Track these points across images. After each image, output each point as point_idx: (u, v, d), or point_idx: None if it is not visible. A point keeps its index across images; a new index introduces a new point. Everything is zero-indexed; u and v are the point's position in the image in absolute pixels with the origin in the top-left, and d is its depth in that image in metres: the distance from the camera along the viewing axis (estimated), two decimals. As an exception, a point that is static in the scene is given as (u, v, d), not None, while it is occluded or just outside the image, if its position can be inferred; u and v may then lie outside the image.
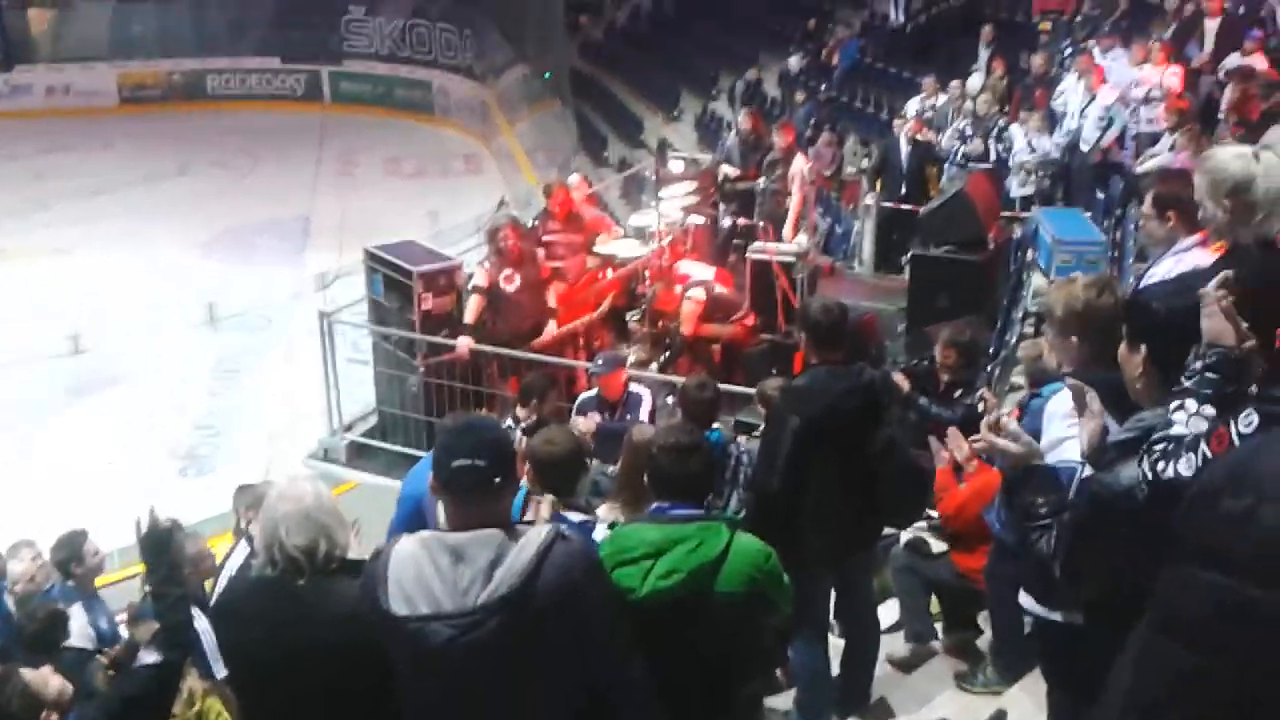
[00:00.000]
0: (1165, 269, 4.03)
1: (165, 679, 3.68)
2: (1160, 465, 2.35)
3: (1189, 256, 3.95)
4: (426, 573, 2.54)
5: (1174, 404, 2.44)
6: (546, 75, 24.19)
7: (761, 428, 4.94)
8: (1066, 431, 3.15)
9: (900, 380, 6.54)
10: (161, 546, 3.66)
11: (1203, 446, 2.28)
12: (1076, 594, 2.85)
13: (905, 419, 4.47)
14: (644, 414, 6.89)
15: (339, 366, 9.22)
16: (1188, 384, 2.44)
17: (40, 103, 28.68)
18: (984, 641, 5.49)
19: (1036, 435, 3.46)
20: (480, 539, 2.56)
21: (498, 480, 2.60)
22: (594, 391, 7.05)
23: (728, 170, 11.33)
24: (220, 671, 4.29)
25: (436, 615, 2.51)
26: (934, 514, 5.30)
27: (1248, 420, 2.21)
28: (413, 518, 4.87)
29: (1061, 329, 3.35)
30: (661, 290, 9.32)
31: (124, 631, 5.94)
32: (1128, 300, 2.94)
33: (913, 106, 13.27)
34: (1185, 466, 2.30)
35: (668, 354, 9.18)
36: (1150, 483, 2.39)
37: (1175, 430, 2.40)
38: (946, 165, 12.36)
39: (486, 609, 2.50)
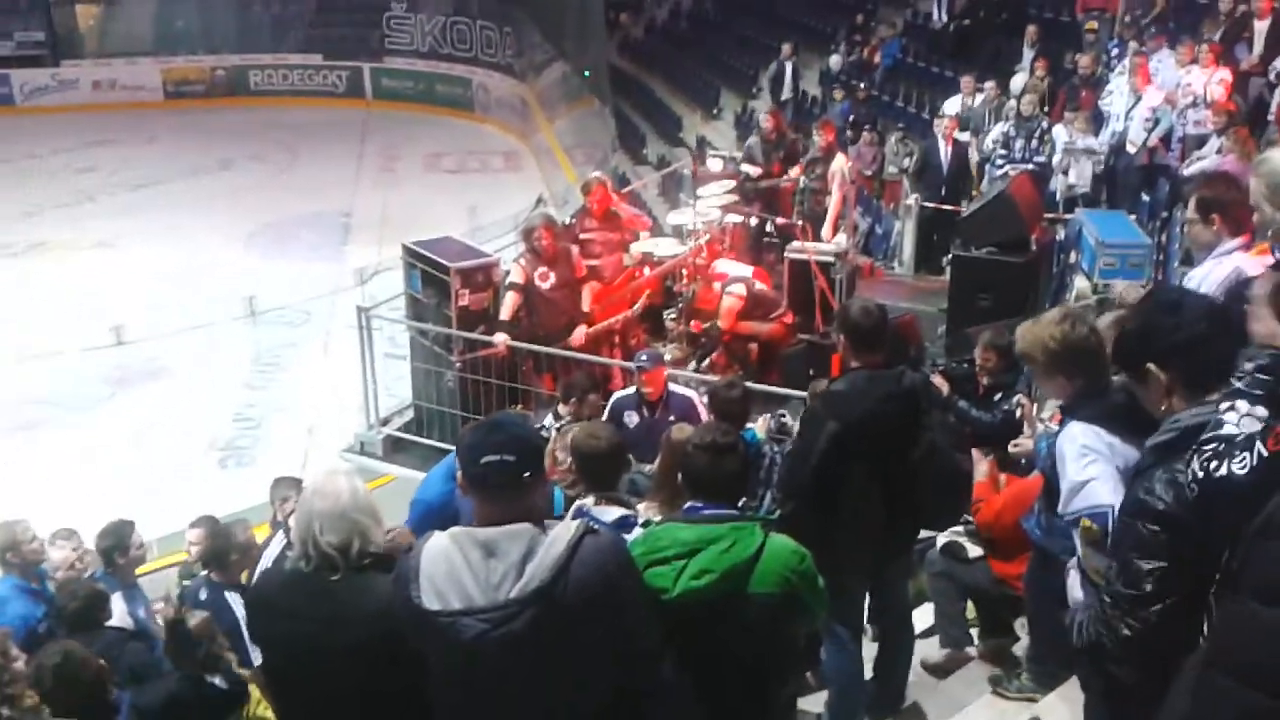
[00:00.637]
0: (1204, 272, 3.97)
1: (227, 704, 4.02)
2: (1213, 464, 2.34)
3: (1229, 260, 3.89)
4: (458, 568, 2.55)
5: (1224, 404, 2.41)
6: (585, 73, 24.21)
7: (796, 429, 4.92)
8: (1085, 472, 3.11)
9: (939, 383, 6.49)
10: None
11: (1258, 446, 2.27)
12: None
13: (946, 422, 4.40)
14: (703, 414, 6.82)
15: (377, 361, 9.28)
16: (1238, 384, 2.42)
17: (86, 97, 29.10)
18: (1020, 648, 5.44)
19: (1056, 474, 3.43)
20: (511, 533, 2.56)
21: (527, 475, 2.61)
22: (631, 390, 7.02)
23: (748, 169, 11.29)
24: (257, 659, 4.34)
25: (468, 610, 2.51)
26: (970, 519, 5.25)
27: None
28: (422, 523, 4.89)
29: (1046, 371, 3.32)
30: (701, 289, 9.30)
31: (160, 620, 5.99)
32: (1133, 329, 2.87)
33: (951, 106, 13.16)
34: (1239, 466, 2.29)
35: (703, 351, 9.15)
36: (1201, 482, 2.37)
37: (1226, 430, 2.38)
38: (988, 166, 12.25)
39: (519, 602, 2.50)
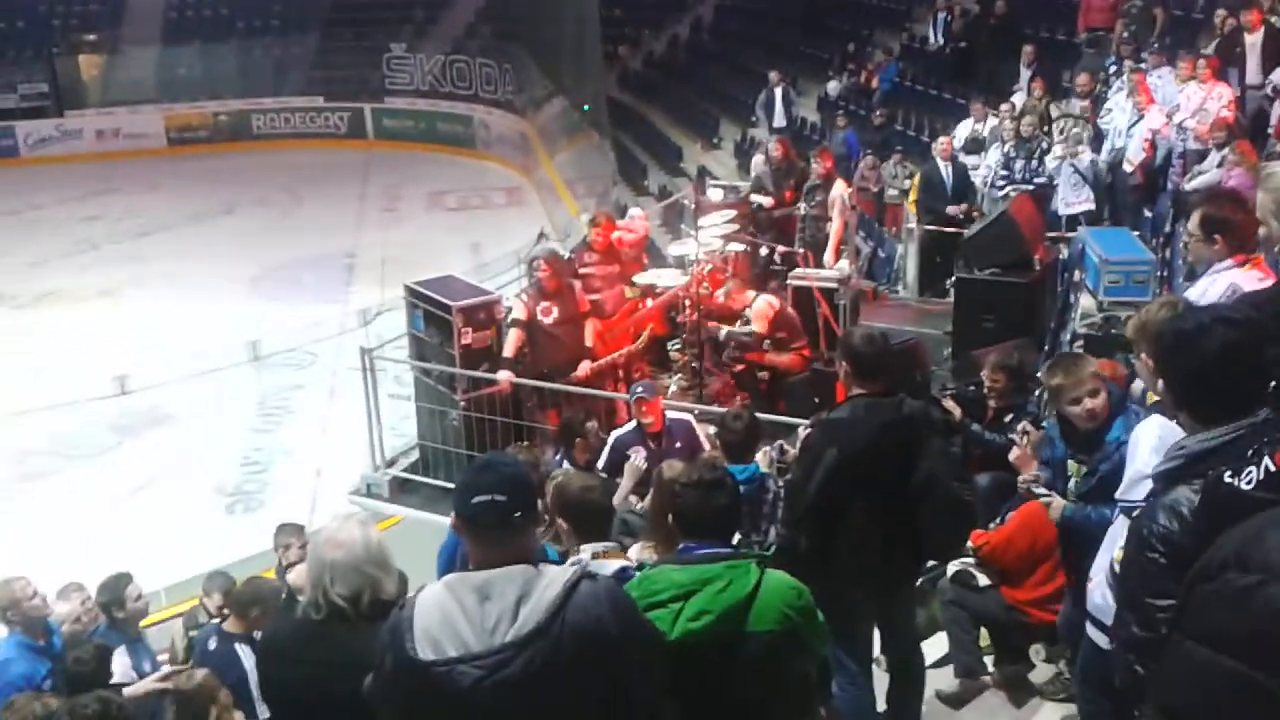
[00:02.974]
0: (1201, 289, 3.96)
1: None
2: (1227, 474, 2.29)
3: (1225, 276, 3.89)
4: (453, 614, 2.51)
5: None
6: (585, 107, 24.36)
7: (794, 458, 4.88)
8: (1152, 464, 3.07)
9: (951, 407, 6.45)
10: None
11: (1266, 460, 2.23)
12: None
13: (946, 451, 4.36)
14: (702, 437, 6.82)
15: (382, 402, 9.26)
16: None
17: (90, 146, 29.40)
18: (1037, 675, 5.38)
19: (1119, 477, 3.40)
20: (506, 575, 2.53)
21: (518, 515, 2.58)
22: (632, 425, 6.99)
23: (759, 200, 11.30)
24: (264, 713, 4.30)
25: (464, 658, 2.48)
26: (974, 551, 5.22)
27: None
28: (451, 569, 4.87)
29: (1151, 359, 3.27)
30: (735, 288, 9.20)
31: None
32: (1154, 354, 2.85)
33: (962, 130, 13.17)
34: (1245, 480, 2.24)
35: (734, 348, 9.06)
36: (1205, 489, 2.35)
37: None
38: (989, 188, 12.25)
39: (514, 645, 2.47)
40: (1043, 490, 4.39)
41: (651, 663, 2.74)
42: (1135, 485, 3.22)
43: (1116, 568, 3.33)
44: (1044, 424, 4.97)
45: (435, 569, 5.30)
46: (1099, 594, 3.57)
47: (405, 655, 2.50)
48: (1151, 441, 3.17)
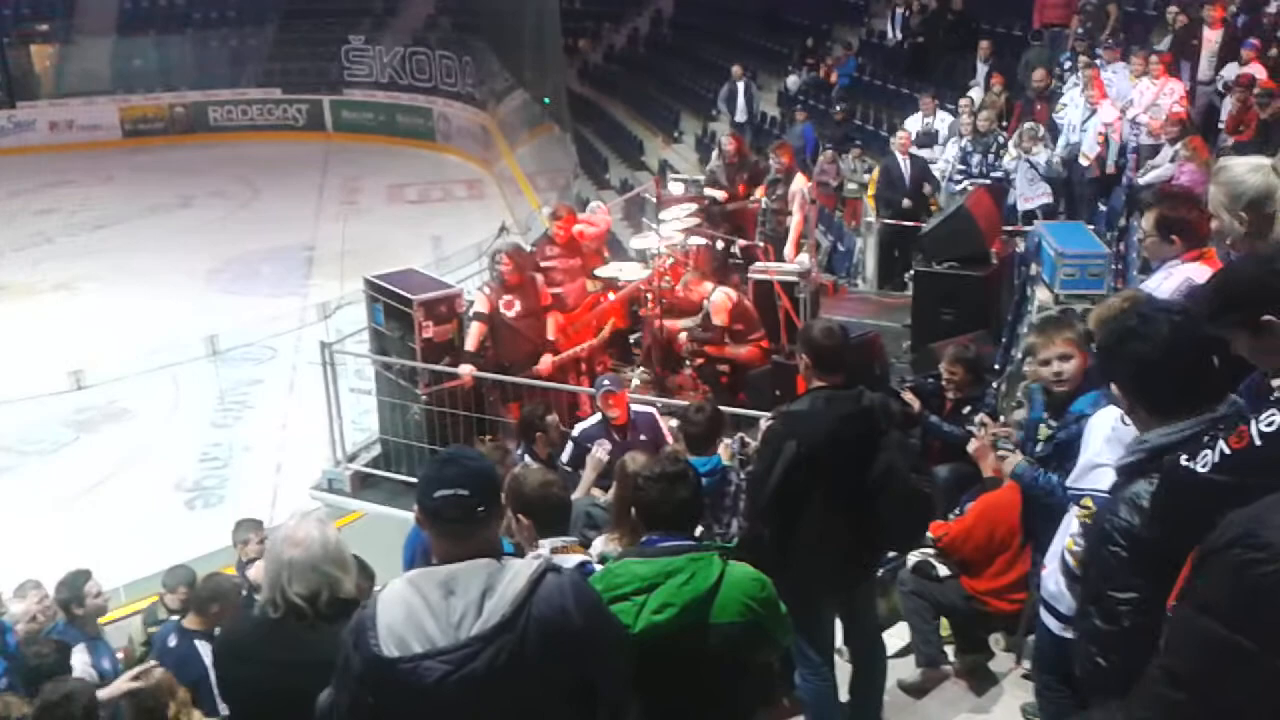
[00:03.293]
0: (1156, 283, 4.03)
1: None
2: (1183, 458, 2.32)
3: (1180, 270, 3.96)
4: (417, 610, 2.51)
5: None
6: (545, 100, 24.29)
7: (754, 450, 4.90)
8: (1104, 455, 3.11)
9: (910, 399, 6.51)
10: None
11: (1221, 444, 2.25)
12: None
13: (904, 443, 4.39)
14: (665, 430, 6.85)
15: (342, 396, 9.21)
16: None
17: (44, 138, 28.92)
18: (997, 664, 5.44)
19: (1075, 448, 3.43)
20: (470, 569, 2.53)
21: (481, 509, 2.58)
22: (596, 419, 7.00)
23: (712, 193, 11.32)
24: (225, 710, 4.27)
25: (429, 653, 2.47)
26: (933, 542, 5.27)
27: (1269, 420, 2.18)
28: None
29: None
30: (692, 279, 9.21)
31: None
32: (1100, 346, 2.87)
33: (913, 124, 13.27)
34: (1201, 463, 2.27)
35: (697, 342, 9.08)
36: (1164, 473, 2.38)
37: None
38: (946, 182, 12.34)
39: (480, 639, 2.47)
40: (1008, 447, 4.44)
41: (616, 655, 2.74)
42: (1085, 474, 3.24)
43: (1068, 556, 3.38)
44: (1032, 385, 4.99)
45: (400, 564, 5.32)
46: (1052, 581, 3.62)
47: (370, 653, 2.49)
48: (1105, 431, 3.20)
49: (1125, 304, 3.46)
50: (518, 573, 2.54)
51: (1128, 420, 2.83)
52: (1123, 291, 3.58)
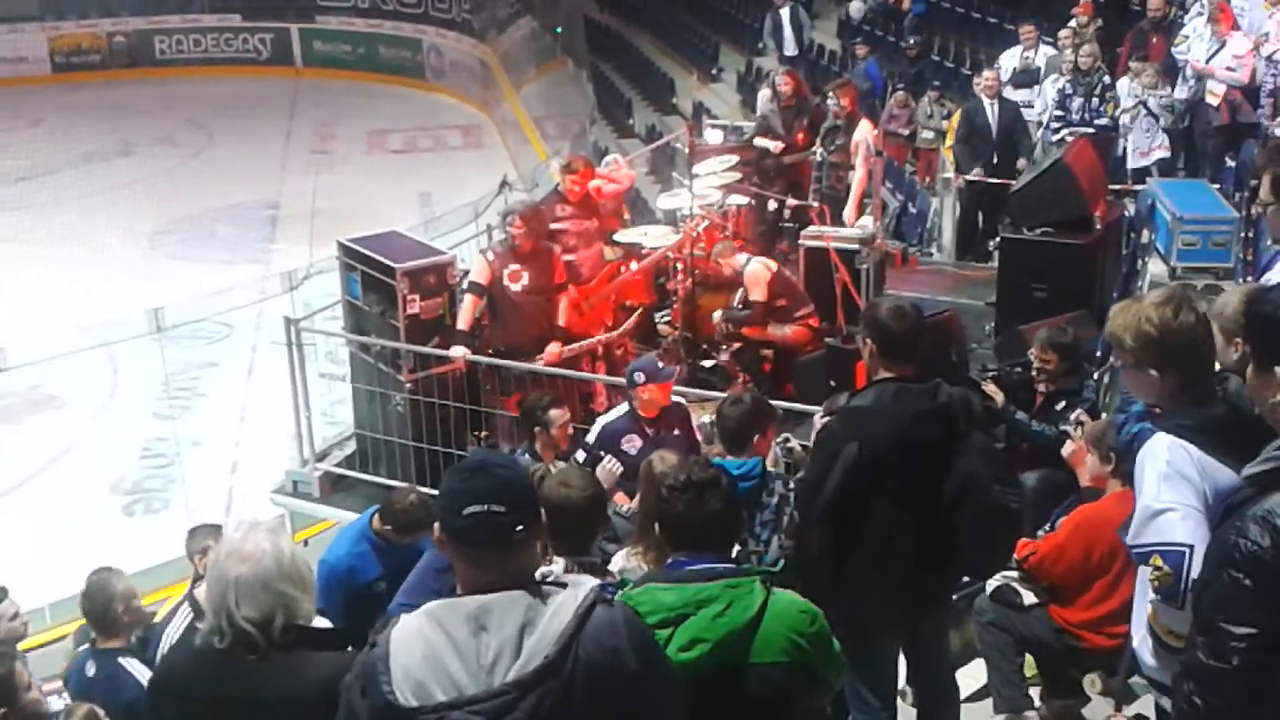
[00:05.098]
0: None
1: None
2: None
3: None
4: (439, 649, 2.48)
5: None
6: (557, 30, 24.26)
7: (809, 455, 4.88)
8: (1163, 498, 3.04)
9: (993, 392, 6.48)
10: None
11: None
12: None
13: (988, 448, 4.36)
14: (694, 427, 6.84)
15: (311, 383, 9.25)
16: None
17: (-43, 72, 29.14)
18: (1091, 710, 5.43)
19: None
20: (505, 601, 2.51)
21: (520, 529, 2.55)
22: (622, 409, 6.95)
23: (765, 143, 11.28)
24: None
25: (456, 702, 2.44)
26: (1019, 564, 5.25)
27: None
28: (325, 591, 5.21)
29: (1137, 362, 3.22)
30: (723, 251, 9.19)
31: (57, 704, 5.94)
32: (1254, 310, 2.80)
33: (1009, 60, 13.19)
34: None
35: (732, 323, 9.11)
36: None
37: None
38: (1042, 130, 12.27)
39: (519, 685, 2.44)
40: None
41: (670, 709, 2.73)
42: (1146, 525, 3.12)
43: (1153, 625, 3.30)
44: None
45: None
46: (1146, 652, 3.55)
47: (383, 701, 2.46)
48: (1159, 468, 3.09)
49: (1166, 300, 3.34)
50: (561, 605, 2.52)
51: (1182, 449, 2.80)
52: (1244, 287, 3.44)
